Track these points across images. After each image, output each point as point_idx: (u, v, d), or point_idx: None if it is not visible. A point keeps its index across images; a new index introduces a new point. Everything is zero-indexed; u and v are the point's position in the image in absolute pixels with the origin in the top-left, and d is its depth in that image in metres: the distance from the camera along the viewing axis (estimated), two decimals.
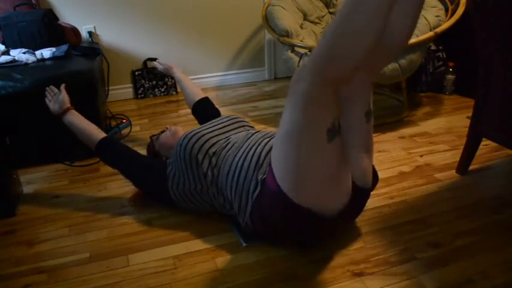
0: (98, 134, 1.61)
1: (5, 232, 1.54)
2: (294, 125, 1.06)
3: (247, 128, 1.63)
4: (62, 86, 1.72)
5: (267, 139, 1.41)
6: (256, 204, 1.27)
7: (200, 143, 1.44)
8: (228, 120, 1.61)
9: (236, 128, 1.58)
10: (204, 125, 1.57)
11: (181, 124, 2.50)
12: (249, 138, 1.44)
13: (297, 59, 2.30)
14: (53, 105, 1.70)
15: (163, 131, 1.77)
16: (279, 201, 1.17)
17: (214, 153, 1.43)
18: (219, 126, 1.56)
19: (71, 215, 1.63)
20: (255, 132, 1.50)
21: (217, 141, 1.47)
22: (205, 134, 1.47)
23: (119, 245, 1.44)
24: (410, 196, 1.64)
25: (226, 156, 1.41)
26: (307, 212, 1.14)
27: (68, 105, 1.67)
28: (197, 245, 1.41)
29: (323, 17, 2.80)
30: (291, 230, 1.23)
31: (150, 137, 1.82)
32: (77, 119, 1.65)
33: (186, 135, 1.47)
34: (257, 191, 1.26)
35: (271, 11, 2.51)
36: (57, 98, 1.69)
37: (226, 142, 1.47)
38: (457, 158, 1.81)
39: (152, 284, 1.25)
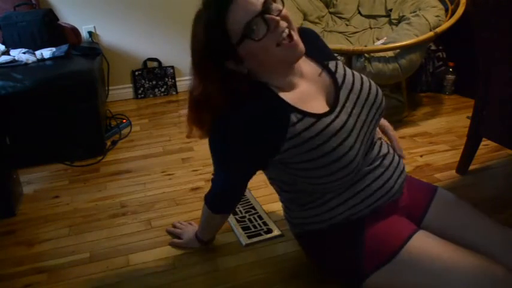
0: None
1: (5, 232, 1.54)
2: None
3: None
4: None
5: None
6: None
7: None
8: None
9: None
10: None
11: (181, 124, 2.50)
12: None
13: None
14: (186, 240, 1.41)
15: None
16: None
17: None
18: None
19: (71, 215, 1.63)
20: None
21: None
22: None
23: (119, 245, 1.44)
24: None
25: None
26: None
27: (195, 231, 1.39)
28: None
29: (323, 17, 2.80)
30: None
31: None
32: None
33: None
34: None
35: None
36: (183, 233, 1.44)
37: None
38: (457, 158, 1.81)
39: (152, 284, 1.25)
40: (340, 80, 1.07)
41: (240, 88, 0.98)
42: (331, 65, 1.10)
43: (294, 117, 0.97)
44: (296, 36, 0.96)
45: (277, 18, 0.93)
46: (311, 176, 1.02)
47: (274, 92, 0.99)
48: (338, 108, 1.02)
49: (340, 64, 1.12)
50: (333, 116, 1.00)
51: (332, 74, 1.08)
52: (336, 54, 2.12)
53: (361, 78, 1.11)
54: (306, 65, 1.07)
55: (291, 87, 1.02)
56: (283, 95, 0.99)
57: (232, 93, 0.98)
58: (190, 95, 1.03)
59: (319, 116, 0.99)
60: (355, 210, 1.06)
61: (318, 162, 0.99)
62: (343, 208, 1.06)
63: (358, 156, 1.01)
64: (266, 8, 0.93)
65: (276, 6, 0.96)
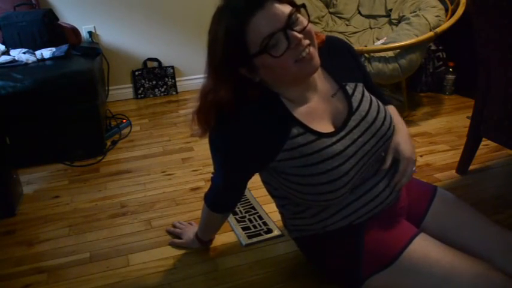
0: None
1: (5, 232, 1.54)
2: None
3: None
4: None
5: None
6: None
7: None
8: None
9: None
10: None
11: (181, 124, 2.49)
12: None
13: None
14: (187, 240, 1.42)
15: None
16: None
17: None
18: None
19: (71, 215, 1.63)
20: None
21: None
22: None
23: (119, 245, 1.44)
24: None
25: None
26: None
27: (194, 233, 1.39)
28: None
29: (323, 17, 2.80)
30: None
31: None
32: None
33: None
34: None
35: None
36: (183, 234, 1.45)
37: None
38: (457, 158, 1.81)
39: (152, 284, 1.25)
40: (355, 104, 1.03)
41: (251, 95, 0.95)
42: (350, 86, 1.05)
43: (295, 130, 0.96)
44: (313, 49, 0.91)
45: (300, 36, 0.87)
46: (300, 191, 1.01)
47: (283, 103, 0.98)
48: (343, 133, 0.99)
49: (360, 87, 1.07)
50: (334, 139, 0.98)
51: (348, 97, 1.03)
52: None
53: (378, 107, 1.05)
54: (322, 82, 1.03)
55: (302, 101, 0.99)
56: (292, 108, 0.98)
57: (243, 99, 0.95)
58: (204, 96, 0.97)
59: (320, 135, 0.97)
60: (349, 220, 1.06)
61: (309, 179, 0.97)
62: (336, 218, 1.06)
63: (349, 184, 0.99)
64: (290, 23, 0.87)
65: (301, 20, 0.90)
